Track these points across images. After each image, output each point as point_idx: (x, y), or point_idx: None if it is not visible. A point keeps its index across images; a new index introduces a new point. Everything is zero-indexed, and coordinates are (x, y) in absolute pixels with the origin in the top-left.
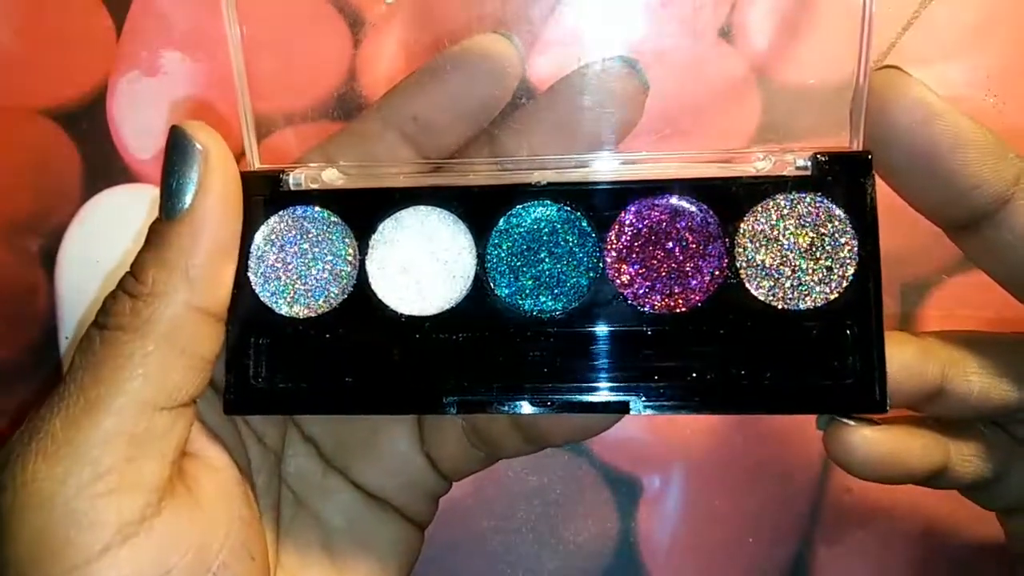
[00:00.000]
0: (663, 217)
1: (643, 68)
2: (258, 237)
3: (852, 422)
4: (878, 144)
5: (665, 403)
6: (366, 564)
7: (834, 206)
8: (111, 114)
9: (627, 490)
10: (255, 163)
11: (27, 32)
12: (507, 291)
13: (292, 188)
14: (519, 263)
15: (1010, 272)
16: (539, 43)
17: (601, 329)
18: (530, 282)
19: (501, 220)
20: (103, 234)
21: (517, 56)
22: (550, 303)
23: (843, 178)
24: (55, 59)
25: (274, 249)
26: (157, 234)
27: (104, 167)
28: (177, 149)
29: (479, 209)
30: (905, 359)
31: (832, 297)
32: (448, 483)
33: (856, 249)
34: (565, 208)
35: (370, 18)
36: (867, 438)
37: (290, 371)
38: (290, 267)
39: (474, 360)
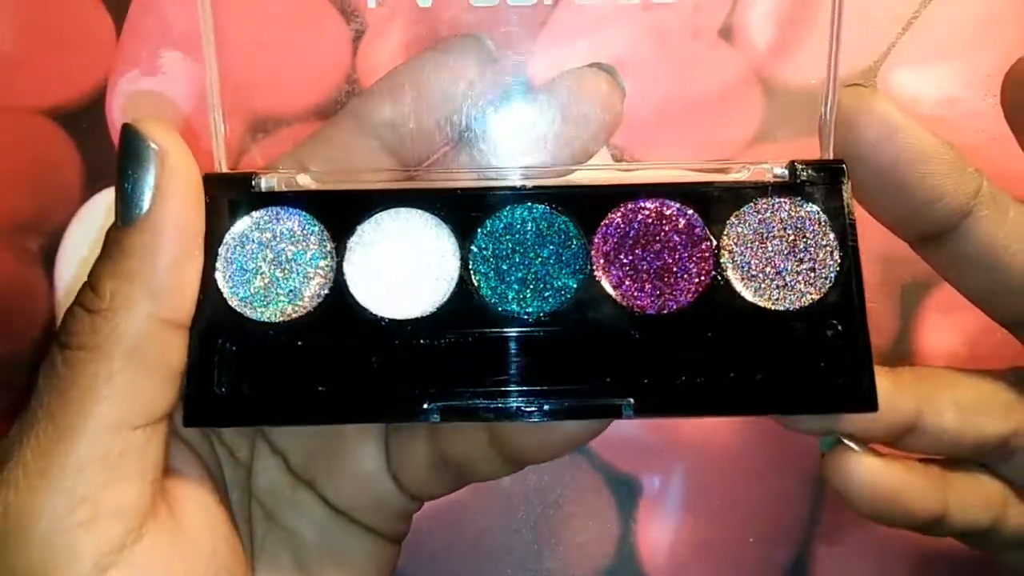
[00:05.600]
0: (650, 219)
1: (619, 73)
2: (228, 238)
3: (858, 447)
4: (845, 160)
5: (655, 407)
6: None
7: (814, 209)
8: (111, 114)
9: (627, 490)
10: (223, 166)
11: (27, 32)
12: (492, 294)
13: (264, 190)
14: (505, 265)
15: (971, 283)
16: (537, 43)
17: (589, 332)
18: (516, 284)
19: (487, 222)
20: (103, 234)
21: (492, 59)
22: (536, 306)
23: (820, 183)
24: (55, 59)
25: (245, 251)
26: (114, 242)
27: (104, 167)
28: (130, 149)
29: (463, 211)
30: (879, 395)
31: (816, 297)
32: (419, 502)
33: (836, 251)
34: (551, 210)
35: (369, 20)
36: (869, 468)
37: (259, 379)
38: (262, 270)
39: (458, 365)
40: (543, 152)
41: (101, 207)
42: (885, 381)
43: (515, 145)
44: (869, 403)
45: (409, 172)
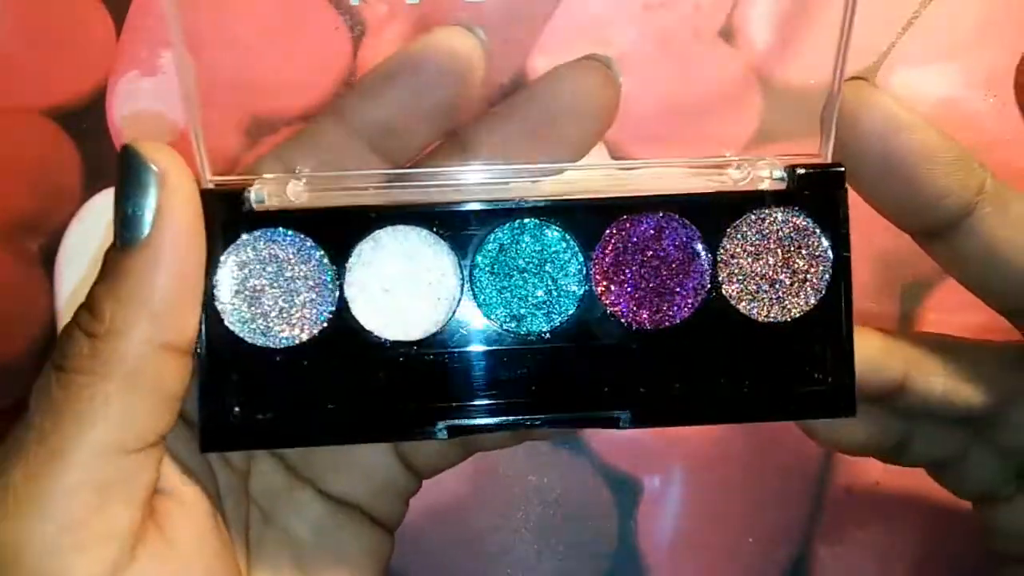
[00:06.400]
0: (648, 234)
1: (616, 64)
2: (225, 261)
3: None
4: (847, 154)
5: (651, 416)
6: (339, 574)
7: (809, 221)
8: (111, 114)
9: (627, 490)
10: (206, 175)
11: (27, 32)
12: (493, 311)
13: (255, 207)
14: (504, 283)
15: (976, 277)
16: (538, 43)
17: (588, 346)
18: (516, 301)
19: (486, 238)
20: (103, 234)
21: (480, 51)
22: (537, 322)
23: (818, 191)
24: (55, 59)
25: (242, 275)
26: (113, 264)
27: (104, 167)
28: (130, 171)
29: (461, 228)
30: (869, 355)
31: (807, 309)
32: (419, 482)
33: (830, 262)
34: (550, 225)
35: (357, 18)
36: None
37: (268, 403)
38: (260, 294)
39: (462, 382)
40: (537, 148)
41: (101, 207)
42: (876, 344)
43: (507, 141)
44: (848, 409)
45: (399, 173)
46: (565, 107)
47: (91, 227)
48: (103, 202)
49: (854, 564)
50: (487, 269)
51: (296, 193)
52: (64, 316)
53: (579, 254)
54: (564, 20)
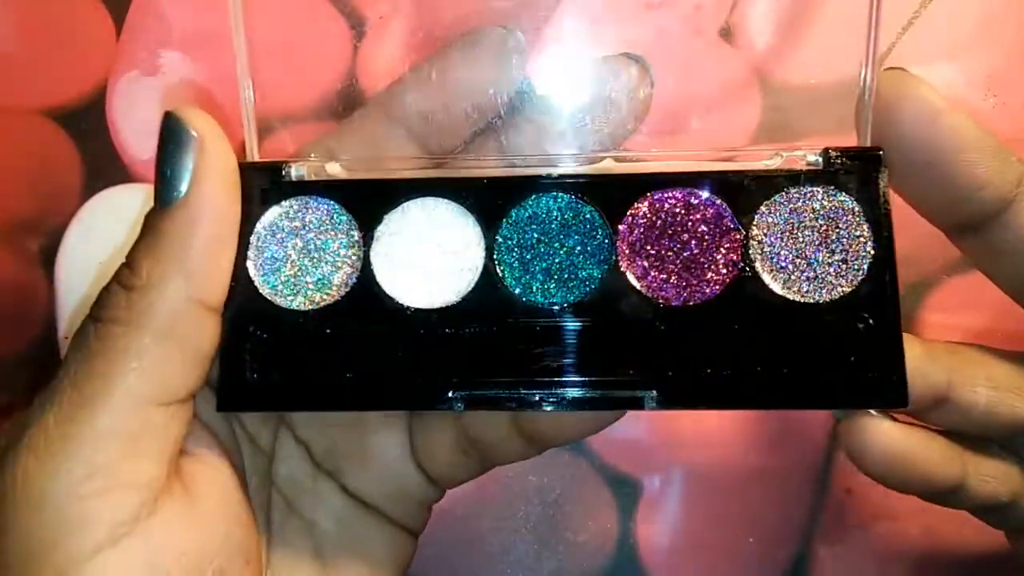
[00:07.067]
0: (677, 209)
1: (648, 63)
2: (259, 227)
3: (873, 412)
4: (883, 145)
5: (679, 398)
6: (358, 571)
7: (848, 199)
8: (111, 114)
9: (627, 490)
10: (255, 156)
11: (27, 32)
12: (517, 284)
13: (294, 179)
14: (530, 255)
15: (1009, 273)
16: (540, 42)
17: (614, 323)
18: (541, 275)
19: (512, 211)
20: (103, 234)
21: (520, 51)
22: (562, 296)
23: (856, 171)
24: (55, 59)
25: (275, 240)
26: (152, 224)
27: (104, 167)
28: (171, 135)
29: (488, 200)
30: (911, 362)
31: (848, 290)
32: (441, 491)
33: (871, 242)
34: (577, 199)
35: (370, 16)
36: (887, 432)
37: (289, 366)
38: (292, 258)
39: (482, 355)
40: (570, 140)
41: (101, 207)
42: (917, 350)
43: (542, 134)
44: (900, 399)
45: (437, 161)
46: (599, 102)
47: (91, 227)
48: (103, 202)
49: (854, 564)
50: (512, 241)
51: (335, 173)
52: (64, 316)
53: (606, 228)
54: (565, 20)
